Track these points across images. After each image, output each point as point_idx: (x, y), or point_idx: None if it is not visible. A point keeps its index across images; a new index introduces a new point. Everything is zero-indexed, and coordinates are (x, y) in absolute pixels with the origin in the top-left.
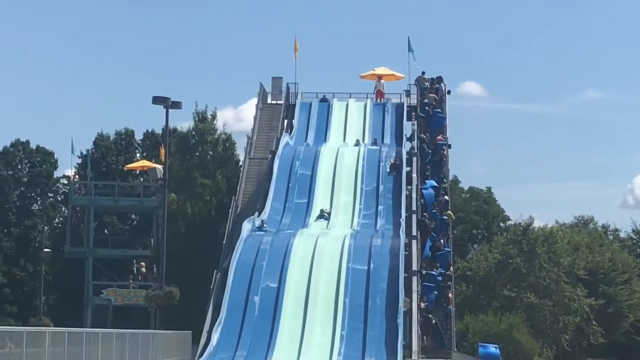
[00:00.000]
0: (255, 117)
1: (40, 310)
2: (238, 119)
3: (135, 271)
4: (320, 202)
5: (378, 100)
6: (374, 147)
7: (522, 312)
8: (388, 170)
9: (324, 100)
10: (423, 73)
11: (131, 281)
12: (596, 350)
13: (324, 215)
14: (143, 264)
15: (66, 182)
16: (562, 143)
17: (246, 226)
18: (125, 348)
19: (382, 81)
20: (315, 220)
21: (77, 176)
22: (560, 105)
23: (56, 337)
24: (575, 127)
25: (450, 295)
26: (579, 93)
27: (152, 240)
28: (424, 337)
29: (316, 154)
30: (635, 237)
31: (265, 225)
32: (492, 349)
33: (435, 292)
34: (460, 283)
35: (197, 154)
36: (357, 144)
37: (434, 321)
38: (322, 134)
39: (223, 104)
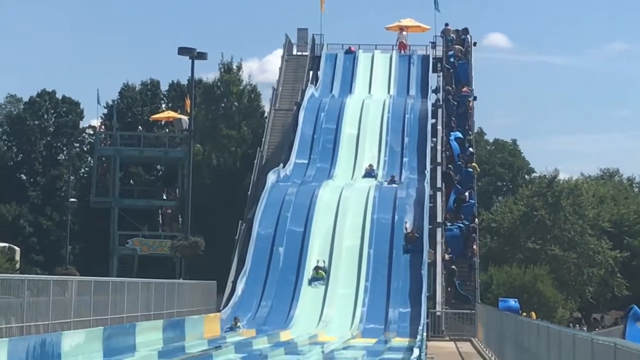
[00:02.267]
0: (280, 69)
1: (66, 259)
2: (263, 70)
3: (160, 216)
4: (345, 153)
5: (401, 52)
6: (391, 186)
7: (546, 264)
8: (403, 243)
9: (349, 52)
10: (446, 25)
11: (160, 230)
12: (620, 302)
13: (318, 277)
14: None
15: (92, 132)
16: (587, 95)
17: (271, 177)
18: (150, 297)
19: (404, 33)
20: (309, 284)
21: (102, 126)
22: (586, 57)
23: (82, 285)
24: (600, 79)
25: (474, 247)
26: (605, 45)
27: (177, 190)
28: (448, 289)
29: (341, 106)
30: None
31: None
32: (512, 302)
33: (460, 244)
34: (484, 235)
35: (223, 105)
36: (371, 172)
37: (456, 281)
38: (348, 86)
39: (248, 55)
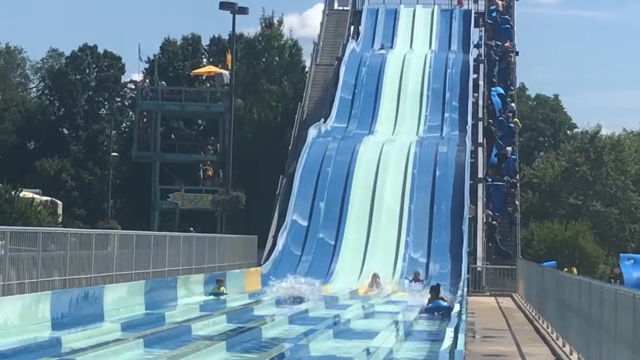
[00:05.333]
0: (321, 23)
1: (108, 213)
2: (303, 24)
3: (201, 174)
4: (386, 108)
5: (460, 7)
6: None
7: (587, 220)
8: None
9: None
10: None
11: (201, 184)
12: None
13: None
14: (209, 167)
15: (133, 87)
16: (630, 50)
17: (312, 132)
18: (192, 251)
19: None
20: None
21: (146, 81)
22: (628, 12)
23: (124, 239)
24: None
25: (516, 202)
26: None
27: (218, 145)
28: (489, 244)
29: (382, 61)
30: None
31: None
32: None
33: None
34: (526, 190)
35: (264, 59)
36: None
37: (497, 237)
38: (389, 41)
39: (288, 10)
